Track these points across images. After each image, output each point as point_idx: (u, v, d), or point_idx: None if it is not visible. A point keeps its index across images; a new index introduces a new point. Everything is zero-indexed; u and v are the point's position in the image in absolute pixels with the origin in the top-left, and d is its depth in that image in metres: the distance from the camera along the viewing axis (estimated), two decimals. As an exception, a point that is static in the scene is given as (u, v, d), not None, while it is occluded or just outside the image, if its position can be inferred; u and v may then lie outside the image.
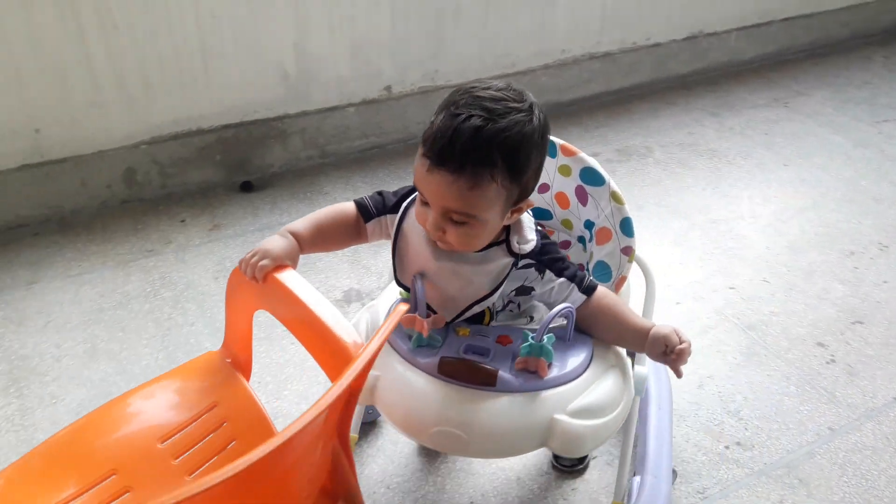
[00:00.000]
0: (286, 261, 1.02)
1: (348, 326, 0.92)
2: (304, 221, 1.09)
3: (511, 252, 1.05)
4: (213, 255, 2.02)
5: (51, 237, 2.07)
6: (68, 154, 2.08)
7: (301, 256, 1.08)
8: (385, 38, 2.36)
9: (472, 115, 0.93)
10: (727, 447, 1.49)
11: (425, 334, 1.03)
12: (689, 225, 2.19)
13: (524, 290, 1.10)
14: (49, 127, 2.02)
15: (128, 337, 1.72)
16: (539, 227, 1.10)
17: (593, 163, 1.22)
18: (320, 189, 2.32)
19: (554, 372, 1.02)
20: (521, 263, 1.06)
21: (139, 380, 1.61)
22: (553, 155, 1.24)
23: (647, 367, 1.19)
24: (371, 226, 1.12)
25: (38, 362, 1.66)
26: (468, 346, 1.04)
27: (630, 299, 1.26)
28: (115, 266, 1.97)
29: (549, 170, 1.25)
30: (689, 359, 1.04)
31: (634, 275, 1.24)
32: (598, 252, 1.20)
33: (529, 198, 1.02)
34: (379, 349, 0.81)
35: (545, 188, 1.29)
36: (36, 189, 2.08)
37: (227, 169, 2.31)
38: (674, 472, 1.40)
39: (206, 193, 2.27)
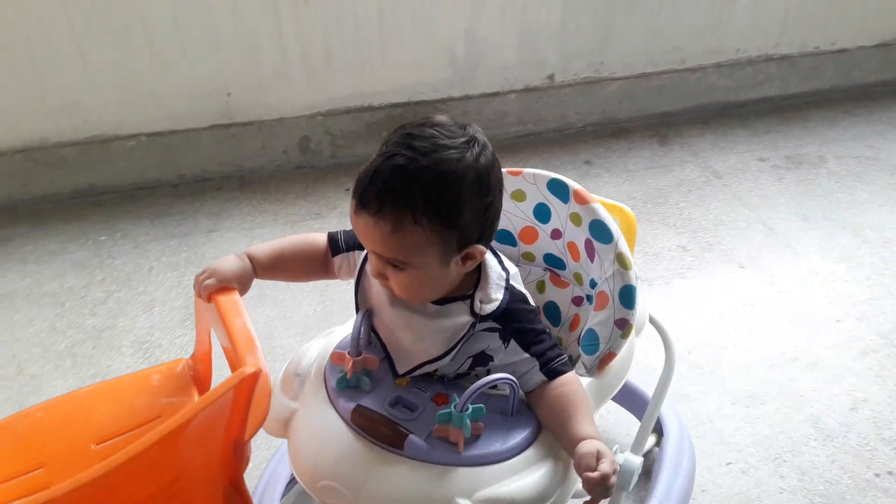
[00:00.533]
0: (234, 283, 0.99)
1: (257, 358, 0.86)
2: (266, 246, 1.06)
3: (473, 311, 0.94)
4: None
5: (231, 192, 2.28)
6: (253, 118, 2.27)
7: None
8: (554, 27, 2.38)
9: (395, 154, 0.86)
10: (877, 475, 1.40)
11: (349, 375, 0.95)
12: (859, 242, 2.05)
13: (482, 360, 0.98)
14: (239, 92, 2.22)
15: (291, 287, 1.87)
16: (512, 287, 0.97)
17: (604, 216, 1.08)
18: (476, 171, 2.39)
19: (478, 448, 0.89)
20: (481, 326, 0.94)
21: (298, 327, 1.76)
22: (565, 200, 1.13)
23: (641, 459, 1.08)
24: (338, 260, 1.06)
25: (212, 302, 1.84)
26: (398, 397, 0.94)
27: (632, 374, 1.12)
28: (283, 224, 2.14)
29: (562, 215, 1.15)
30: (606, 490, 0.86)
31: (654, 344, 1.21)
32: (592, 319, 1.06)
33: (480, 245, 0.92)
34: (210, 401, 0.79)
35: (557, 234, 1.18)
36: (222, 148, 2.29)
37: (390, 144, 2.43)
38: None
39: (370, 166, 2.41)
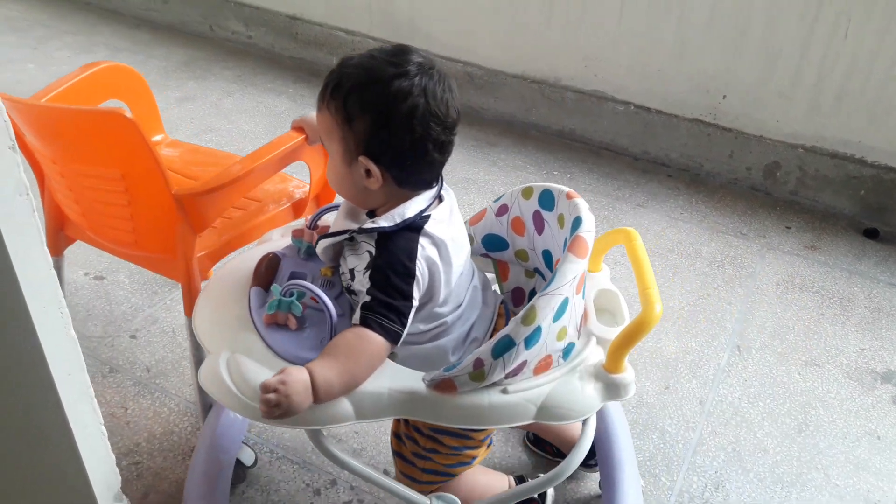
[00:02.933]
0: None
1: None
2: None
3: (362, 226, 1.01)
4: (790, 267, 2.00)
5: (677, 182, 2.35)
6: (736, 127, 2.28)
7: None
8: None
9: (370, 56, 0.99)
10: None
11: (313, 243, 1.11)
12: None
13: (352, 275, 1.04)
14: (736, 98, 2.24)
15: (674, 280, 1.90)
16: (408, 234, 0.99)
17: (554, 186, 1.10)
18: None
19: (277, 342, 1.00)
20: (360, 238, 1.02)
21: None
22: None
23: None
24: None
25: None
26: (294, 272, 1.11)
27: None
28: (706, 227, 2.14)
29: (515, 194, 1.17)
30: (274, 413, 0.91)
31: None
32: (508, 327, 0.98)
33: (379, 166, 0.98)
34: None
35: (504, 210, 1.19)
36: (693, 141, 2.36)
37: (862, 206, 2.19)
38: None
39: (827, 216, 2.21)
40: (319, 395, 0.93)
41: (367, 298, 0.97)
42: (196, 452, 1.28)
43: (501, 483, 1.24)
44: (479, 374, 0.95)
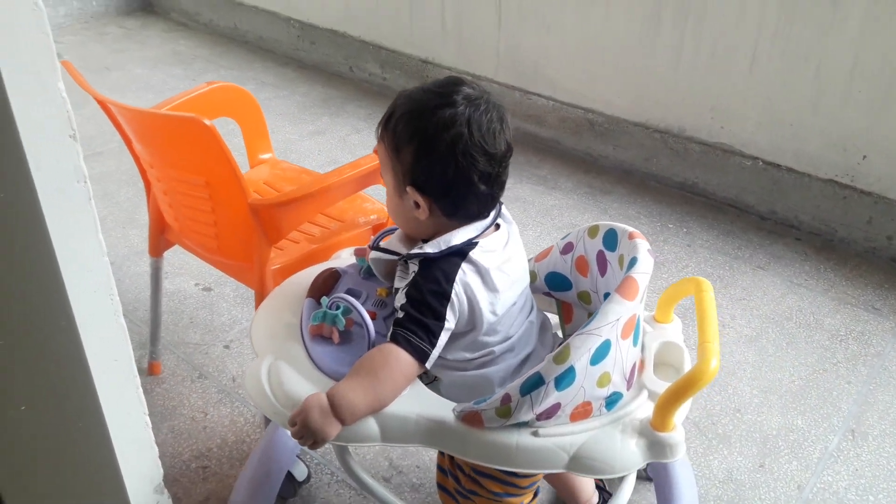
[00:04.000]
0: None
1: None
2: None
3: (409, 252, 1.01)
4: (931, 350, 1.76)
5: (805, 246, 2.16)
6: (877, 191, 2.07)
7: None
8: None
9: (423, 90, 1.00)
10: None
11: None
12: None
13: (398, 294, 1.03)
14: (878, 159, 2.04)
15: (787, 350, 1.73)
16: (450, 260, 0.98)
17: (619, 226, 1.05)
18: None
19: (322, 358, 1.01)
20: (410, 263, 1.01)
21: (770, 389, 1.63)
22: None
23: None
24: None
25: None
26: (350, 289, 1.11)
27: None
28: (832, 297, 1.94)
29: (581, 232, 1.12)
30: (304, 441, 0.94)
31: None
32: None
33: (426, 196, 0.98)
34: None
35: (569, 248, 1.14)
36: (827, 204, 2.16)
37: None
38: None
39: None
40: (344, 417, 0.93)
41: (400, 315, 0.98)
42: (249, 458, 1.30)
43: None
44: (505, 409, 0.91)
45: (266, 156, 1.70)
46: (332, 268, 1.15)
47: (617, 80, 2.49)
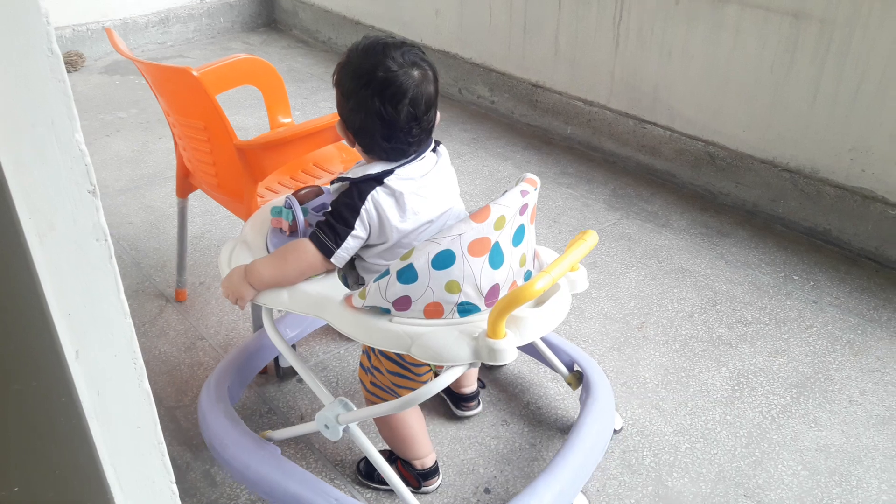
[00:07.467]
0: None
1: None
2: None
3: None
4: None
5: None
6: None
7: None
8: None
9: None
10: None
11: None
12: None
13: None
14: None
15: (838, 388, 1.47)
16: (365, 182, 1.17)
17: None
18: None
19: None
20: (336, 183, 1.22)
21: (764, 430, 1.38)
22: None
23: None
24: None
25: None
26: (323, 203, 1.33)
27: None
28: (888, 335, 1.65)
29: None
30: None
31: None
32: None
33: (348, 134, 1.21)
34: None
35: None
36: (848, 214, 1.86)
37: None
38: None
39: None
40: (253, 283, 1.21)
41: (322, 220, 1.20)
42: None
43: (422, 438, 1.39)
44: (362, 292, 1.14)
45: (287, 119, 1.89)
46: (318, 185, 1.38)
47: (743, 112, 2.27)
